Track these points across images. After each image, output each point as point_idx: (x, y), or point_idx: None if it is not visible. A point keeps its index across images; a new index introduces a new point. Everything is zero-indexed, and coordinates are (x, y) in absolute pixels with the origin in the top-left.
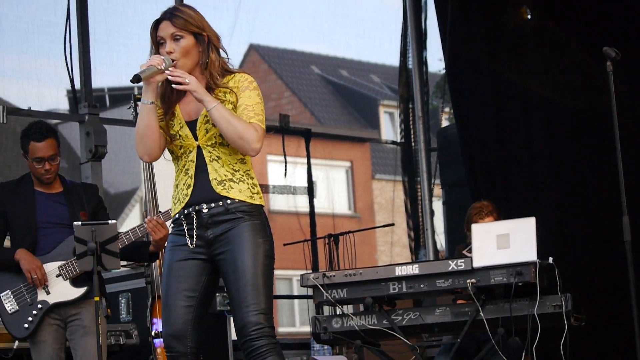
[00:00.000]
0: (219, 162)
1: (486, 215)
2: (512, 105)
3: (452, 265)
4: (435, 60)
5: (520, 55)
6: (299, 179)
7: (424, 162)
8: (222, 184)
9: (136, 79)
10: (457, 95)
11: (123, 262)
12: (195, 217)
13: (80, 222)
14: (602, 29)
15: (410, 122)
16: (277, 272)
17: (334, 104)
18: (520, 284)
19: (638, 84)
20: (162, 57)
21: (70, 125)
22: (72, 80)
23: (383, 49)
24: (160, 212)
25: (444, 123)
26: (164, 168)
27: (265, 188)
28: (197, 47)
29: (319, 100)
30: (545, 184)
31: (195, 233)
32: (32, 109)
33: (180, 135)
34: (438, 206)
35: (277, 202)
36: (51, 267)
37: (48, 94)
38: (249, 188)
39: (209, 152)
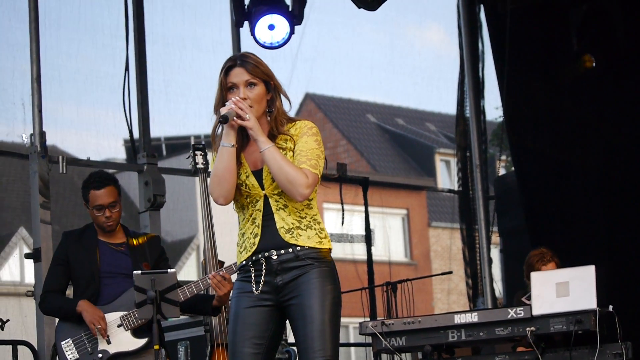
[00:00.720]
0: (285, 211)
1: (548, 262)
2: (570, 153)
3: (512, 313)
4: (492, 109)
5: (580, 103)
6: (356, 227)
7: (481, 210)
8: (290, 232)
9: (224, 119)
10: (517, 145)
11: None
12: (264, 263)
13: (139, 271)
14: None
15: (468, 171)
16: None
17: (390, 152)
18: (580, 332)
19: None
20: (240, 105)
21: (127, 174)
22: (130, 131)
23: (439, 97)
24: (221, 261)
25: (501, 171)
26: (222, 217)
27: None
28: (266, 94)
29: (375, 149)
30: (604, 232)
31: (263, 279)
32: (90, 159)
33: (246, 185)
34: (495, 254)
35: (334, 250)
36: (113, 317)
37: (106, 144)
38: (316, 234)
39: (276, 200)
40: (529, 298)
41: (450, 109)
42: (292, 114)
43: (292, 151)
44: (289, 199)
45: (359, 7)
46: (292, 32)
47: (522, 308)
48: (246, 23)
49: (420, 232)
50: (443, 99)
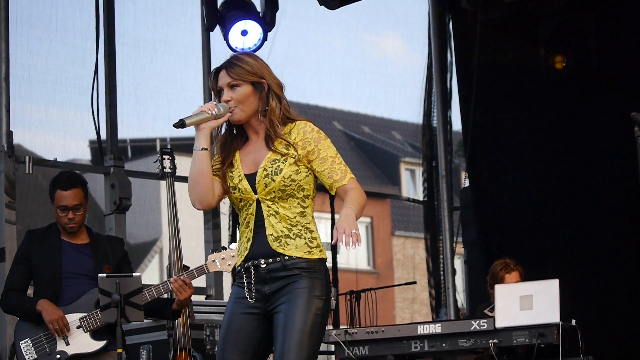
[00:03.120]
0: (276, 217)
1: (512, 270)
2: (528, 167)
3: (475, 325)
4: (458, 119)
5: (542, 116)
6: (322, 235)
7: (446, 220)
8: (278, 241)
9: (180, 123)
10: (473, 158)
11: None
12: (253, 271)
13: (105, 274)
14: (630, 93)
15: (433, 181)
16: None
17: (355, 160)
18: (542, 345)
19: None
20: (216, 103)
21: (92, 176)
22: (98, 133)
23: (408, 106)
24: (186, 266)
25: (467, 182)
26: (188, 221)
27: None
28: (254, 94)
29: (341, 156)
30: (562, 246)
31: (254, 288)
32: (57, 160)
33: (239, 189)
34: (459, 265)
35: None
36: (72, 318)
37: (74, 145)
38: (306, 243)
39: (268, 206)
40: (492, 310)
41: (415, 118)
42: None
43: (293, 157)
44: (282, 206)
45: (321, 4)
46: (264, 38)
47: (485, 320)
48: (217, 27)
49: (383, 240)
50: (412, 108)
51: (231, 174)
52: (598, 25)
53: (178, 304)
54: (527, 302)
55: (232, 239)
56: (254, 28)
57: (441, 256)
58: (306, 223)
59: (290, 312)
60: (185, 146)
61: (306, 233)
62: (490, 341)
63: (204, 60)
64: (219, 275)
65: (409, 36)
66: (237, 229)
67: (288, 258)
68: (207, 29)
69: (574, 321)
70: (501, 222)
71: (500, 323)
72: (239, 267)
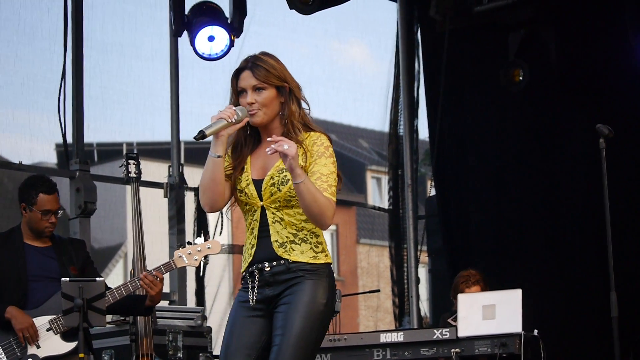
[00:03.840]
0: (281, 224)
1: (473, 284)
2: (496, 174)
3: (437, 334)
4: (425, 128)
5: (507, 126)
6: None
7: (411, 229)
8: (284, 247)
9: (201, 135)
10: (440, 167)
11: (108, 318)
12: (257, 275)
13: (67, 279)
14: (595, 104)
15: (399, 189)
16: None
17: None
18: (504, 355)
19: (629, 161)
20: (235, 109)
21: (57, 180)
22: (64, 136)
23: (376, 114)
24: (148, 270)
25: (432, 191)
26: (152, 226)
27: None
28: (278, 98)
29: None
30: (526, 256)
31: (257, 291)
32: (23, 163)
33: (246, 193)
34: (423, 273)
35: None
36: (42, 321)
37: (40, 148)
38: (311, 248)
39: (273, 213)
40: (455, 319)
41: (383, 126)
42: None
43: (300, 166)
44: (287, 213)
45: (291, 9)
46: (231, 44)
47: (448, 329)
48: (185, 33)
49: (348, 248)
50: (380, 116)
51: (239, 178)
52: (558, 38)
53: (150, 299)
54: (490, 312)
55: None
56: (220, 34)
57: (405, 265)
58: (312, 228)
59: (290, 313)
60: (151, 151)
61: (312, 238)
62: (453, 350)
63: (172, 65)
64: (182, 280)
65: (377, 44)
66: (202, 234)
67: (292, 262)
68: (174, 35)
69: (536, 331)
70: (467, 231)
71: (462, 332)
72: (244, 273)
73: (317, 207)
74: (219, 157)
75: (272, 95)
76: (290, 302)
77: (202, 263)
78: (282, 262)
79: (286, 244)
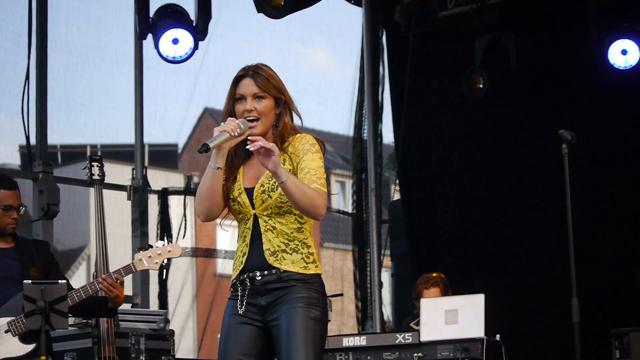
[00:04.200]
0: (273, 233)
1: (432, 286)
2: (461, 179)
3: (400, 338)
4: (389, 132)
5: (472, 131)
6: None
7: (374, 233)
8: (275, 255)
9: (205, 148)
10: (405, 171)
11: (71, 321)
12: (249, 284)
13: (30, 281)
14: (556, 110)
15: (363, 193)
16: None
17: None
18: None
19: (591, 167)
20: (237, 122)
21: (20, 182)
22: (27, 138)
23: (341, 118)
24: (109, 273)
25: (396, 195)
26: (115, 229)
27: (214, 253)
28: (274, 109)
29: None
30: (490, 260)
31: (247, 300)
32: None
33: (239, 202)
34: (386, 278)
35: (227, 267)
36: (0, 323)
37: (3, 150)
38: (302, 258)
39: (265, 221)
40: (417, 324)
41: (348, 130)
42: (190, 127)
43: (288, 171)
44: (279, 221)
45: (259, 12)
46: (196, 47)
47: (410, 334)
48: (150, 36)
49: None
50: (344, 120)
51: (232, 187)
52: (519, 44)
53: (112, 302)
54: (452, 317)
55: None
56: (185, 37)
57: (368, 269)
58: (303, 238)
59: (290, 322)
60: (115, 153)
61: (303, 248)
62: (415, 355)
63: (136, 68)
64: (145, 283)
65: (341, 48)
66: (165, 237)
67: (283, 271)
68: (139, 37)
69: (498, 336)
70: (432, 236)
71: (425, 337)
72: (234, 281)
73: (307, 199)
74: (219, 168)
75: (270, 105)
76: (287, 311)
77: (163, 266)
78: (274, 271)
79: (277, 252)
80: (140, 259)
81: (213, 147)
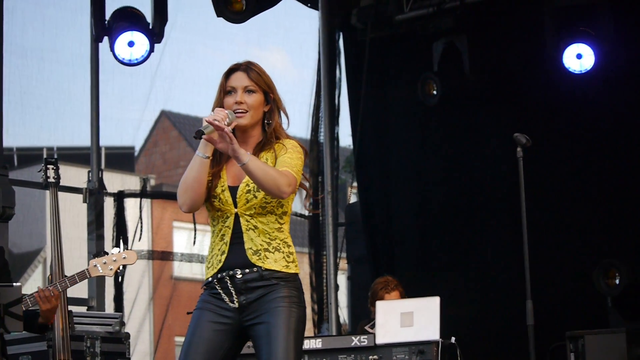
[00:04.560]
0: (255, 232)
1: (392, 290)
2: (418, 183)
3: (355, 341)
4: (345, 136)
5: (429, 135)
6: (207, 248)
7: (330, 236)
8: (257, 254)
9: (200, 134)
10: (363, 174)
11: None
12: (229, 282)
13: None
14: (511, 114)
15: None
16: (177, 339)
17: None
18: None
19: (546, 171)
20: (226, 112)
21: None
22: None
23: (298, 121)
24: (66, 276)
25: (352, 198)
26: (71, 232)
27: (171, 255)
28: (263, 105)
29: None
30: (447, 264)
31: (227, 298)
32: None
33: (220, 199)
34: (343, 280)
35: (183, 270)
36: None
37: None
38: (284, 257)
39: (247, 220)
40: (372, 327)
41: (305, 133)
42: (146, 130)
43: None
44: (260, 221)
45: (218, 16)
46: (151, 49)
47: (366, 336)
48: (106, 38)
49: None
50: (301, 123)
51: (215, 183)
52: (473, 48)
53: (42, 316)
54: (408, 319)
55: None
56: (141, 39)
57: (325, 272)
58: (284, 238)
59: (273, 321)
60: (71, 156)
61: (284, 247)
62: (371, 357)
63: (92, 71)
64: (100, 286)
65: (298, 52)
66: (121, 240)
67: (265, 269)
68: (95, 40)
69: (453, 338)
70: (390, 238)
71: (380, 339)
72: (211, 278)
73: (270, 179)
74: (207, 157)
75: (260, 100)
76: (267, 311)
77: (117, 272)
78: (255, 269)
79: (260, 251)
80: (95, 265)
81: (208, 133)
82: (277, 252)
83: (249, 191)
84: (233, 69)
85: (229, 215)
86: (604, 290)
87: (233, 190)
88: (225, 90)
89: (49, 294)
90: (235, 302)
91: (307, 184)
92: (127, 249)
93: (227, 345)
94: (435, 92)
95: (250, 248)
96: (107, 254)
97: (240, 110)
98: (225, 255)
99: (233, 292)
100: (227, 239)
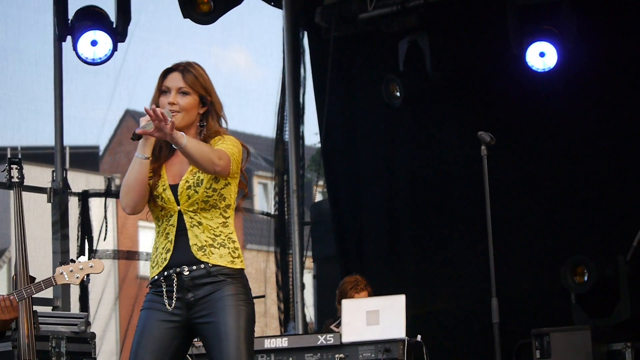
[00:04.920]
0: (199, 228)
1: (362, 290)
2: (385, 182)
3: (322, 339)
4: (311, 134)
5: (394, 134)
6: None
7: (296, 235)
8: (203, 250)
9: (137, 136)
10: (331, 172)
11: None
12: (175, 279)
13: None
14: (476, 113)
15: (285, 195)
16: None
17: None
18: None
19: (510, 168)
20: (163, 111)
21: None
22: None
23: (263, 120)
24: (32, 277)
25: (318, 197)
26: (36, 231)
27: (136, 255)
28: (198, 107)
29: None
30: (415, 261)
31: (176, 295)
32: None
33: (162, 198)
34: (309, 279)
35: (149, 269)
36: None
37: None
38: (229, 253)
39: (190, 217)
40: (338, 325)
41: (271, 132)
42: (111, 129)
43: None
44: (204, 216)
45: (185, 17)
46: (115, 48)
47: (332, 335)
48: (69, 37)
49: None
50: (266, 122)
51: (157, 183)
52: (435, 47)
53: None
54: (374, 317)
55: (80, 250)
56: (103, 38)
57: (291, 270)
58: (229, 233)
59: (222, 320)
60: (36, 155)
61: (229, 243)
62: (337, 356)
63: (56, 70)
64: (66, 286)
65: (262, 50)
66: (86, 240)
67: (212, 265)
68: (58, 39)
69: (419, 336)
70: (358, 236)
71: (346, 338)
72: (157, 276)
73: (206, 156)
74: (147, 158)
75: (194, 103)
76: (215, 309)
77: (83, 281)
78: (202, 265)
79: (205, 247)
80: (62, 273)
81: (140, 133)
82: (223, 248)
83: (189, 187)
84: (171, 69)
85: (173, 214)
86: (572, 287)
87: (174, 188)
88: (160, 90)
89: (8, 304)
90: (173, 305)
91: (243, 180)
92: (94, 257)
93: (176, 342)
94: (398, 94)
95: (195, 244)
96: (74, 261)
97: (172, 111)
98: (170, 253)
99: (176, 290)
100: (172, 236)
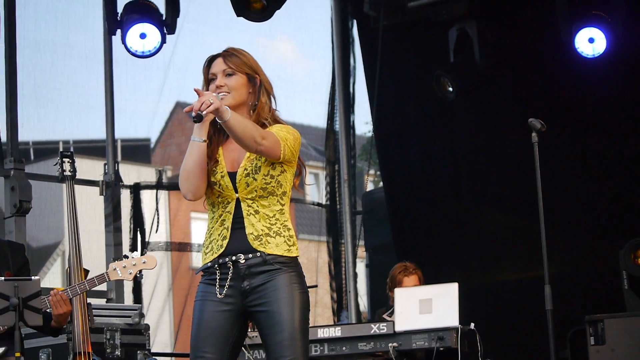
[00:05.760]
0: (256, 217)
1: (411, 274)
2: (440, 170)
3: (375, 328)
4: (361, 124)
5: (448, 122)
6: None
7: (348, 224)
8: (259, 239)
9: (199, 118)
10: (385, 160)
11: None
12: (231, 267)
13: (2, 278)
14: (526, 100)
15: (336, 185)
16: None
17: None
18: (441, 349)
19: (560, 155)
20: (214, 95)
21: None
22: None
23: (312, 110)
24: (86, 270)
25: (369, 186)
26: (88, 224)
27: (188, 246)
28: (247, 87)
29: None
30: (471, 250)
31: (228, 283)
32: None
33: (220, 185)
34: (361, 269)
35: (200, 260)
36: None
37: None
38: (285, 241)
39: (248, 205)
40: (391, 314)
41: (320, 122)
42: (162, 122)
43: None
44: (262, 204)
45: (239, 16)
46: (163, 41)
47: (385, 324)
48: (119, 31)
49: None
50: (314, 113)
51: (214, 170)
52: (484, 34)
53: (55, 320)
54: (427, 306)
55: (133, 242)
56: (152, 31)
57: (343, 260)
58: (284, 221)
59: (277, 309)
60: (87, 149)
61: (285, 231)
62: (390, 344)
63: (106, 63)
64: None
65: (309, 41)
66: (138, 232)
67: (268, 254)
68: (108, 33)
69: (472, 324)
70: (414, 225)
71: (399, 327)
72: (210, 263)
73: (248, 130)
74: (204, 141)
75: (242, 82)
76: (271, 297)
77: (136, 277)
78: (259, 254)
79: (262, 237)
80: (115, 269)
81: (205, 114)
82: (278, 237)
83: (247, 174)
84: (214, 57)
85: (230, 201)
86: (632, 270)
87: (232, 175)
88: (208, 79)
89: (59, 299)
90: (223, 294)
91: (301, 167)
92: (146, 250)
93: (235, 331)
94: (451, 89)
95: (252, 233)
96: (127, 257)
97: (222, 93)
98: (227, 240)
99: (230, 278)
100: (228, 224)
